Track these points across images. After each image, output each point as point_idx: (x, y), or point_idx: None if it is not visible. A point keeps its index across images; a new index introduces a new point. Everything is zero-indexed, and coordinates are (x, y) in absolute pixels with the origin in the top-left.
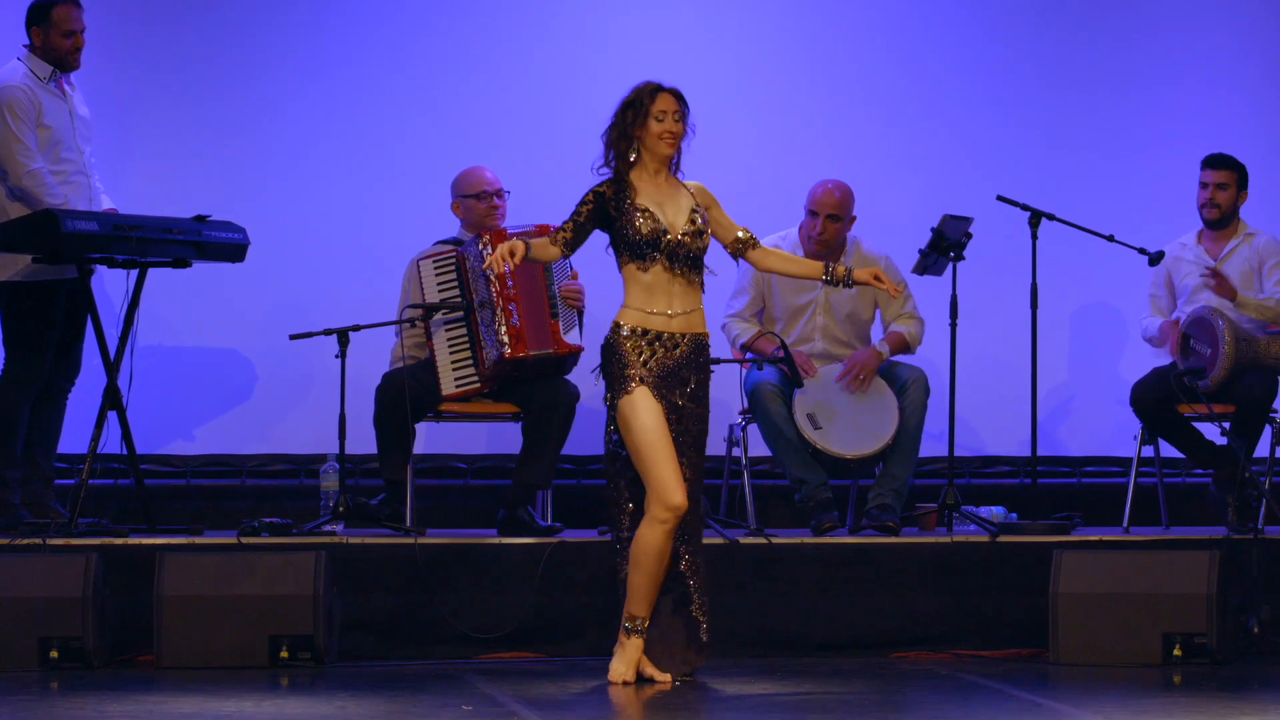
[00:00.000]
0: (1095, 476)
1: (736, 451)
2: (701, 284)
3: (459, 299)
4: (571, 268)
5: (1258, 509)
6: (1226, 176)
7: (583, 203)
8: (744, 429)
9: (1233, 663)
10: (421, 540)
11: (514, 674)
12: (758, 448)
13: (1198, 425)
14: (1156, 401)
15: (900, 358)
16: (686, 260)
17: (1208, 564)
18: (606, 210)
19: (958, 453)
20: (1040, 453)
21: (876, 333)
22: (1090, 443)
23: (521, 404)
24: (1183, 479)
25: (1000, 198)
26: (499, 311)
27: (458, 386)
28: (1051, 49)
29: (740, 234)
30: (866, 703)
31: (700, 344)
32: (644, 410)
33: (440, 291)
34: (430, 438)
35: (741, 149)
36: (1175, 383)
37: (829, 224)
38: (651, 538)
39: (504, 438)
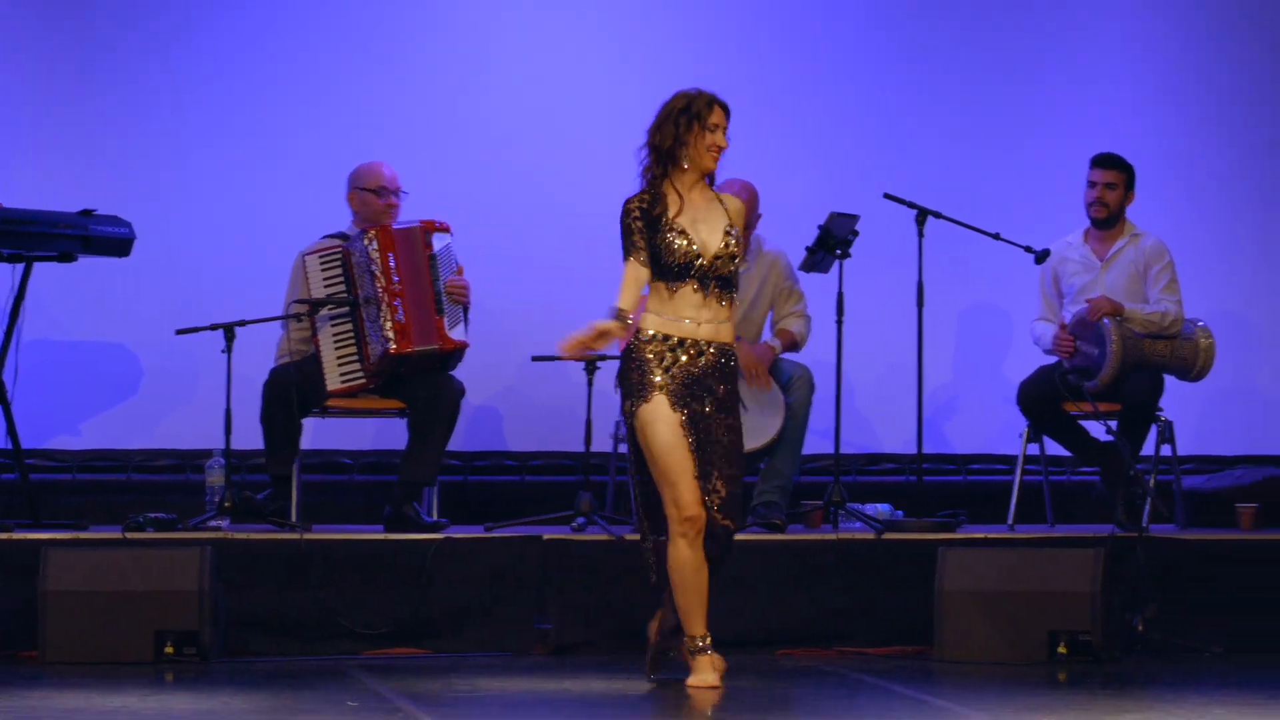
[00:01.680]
0: (981, 474)
1: (623, 447)
2: (732, 299)
3: (345, 294)
4: (457, 263)
5: (1143, 507)
6: (1115, 176)
7: (629, 218)
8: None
9: (1117, 660)
10: (307, 536)
11: (399, 670)
12: None
13: (1084, 424)
14: (1042, 400)
15: (787, 355)
16: (718, 282)
17: (1092, 562)
18: (651, 219)
19: (844, 450)
20: (926, 450)
21: (765, 332)
22: (976, 440)
23: (407, 400)
24: (1068, 477)
25: (887, 195)
26: (384, 307)
27: (343, 382)
28: (941, 47)
29: None
30: (752, 700)
31: (727, 353)
32: (662, 421)
33: (326, 287)
34: (316, 433)
35: (628, 150)
36: (1061, 381)
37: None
38: (677, 553)
39: (390, 433)
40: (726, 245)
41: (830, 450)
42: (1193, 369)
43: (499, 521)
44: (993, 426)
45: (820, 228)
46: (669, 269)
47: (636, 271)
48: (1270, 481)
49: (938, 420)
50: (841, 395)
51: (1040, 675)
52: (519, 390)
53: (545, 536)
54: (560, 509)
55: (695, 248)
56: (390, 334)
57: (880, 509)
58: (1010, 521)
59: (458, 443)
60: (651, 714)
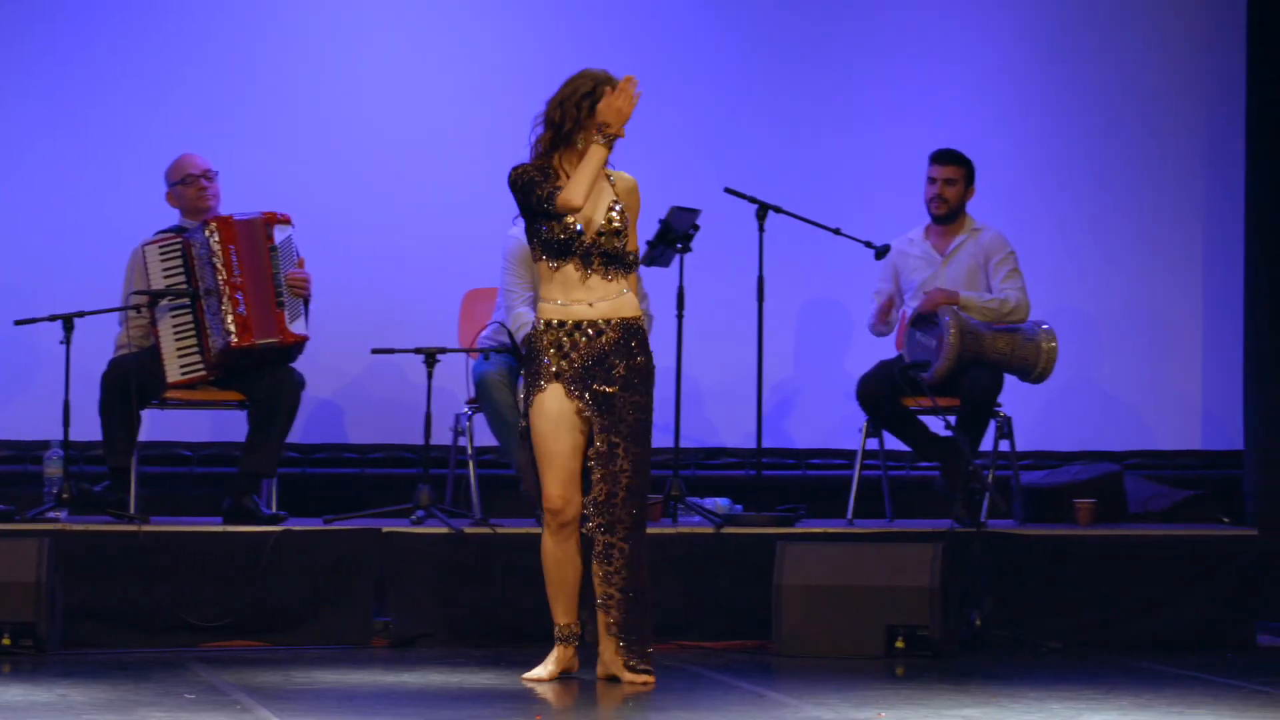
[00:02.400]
0: (820, 469)
1: (462, 441)
2: (624, 273)
3: (185, 286)
4: (298, 255)
5: (981, 502)
6: (955, 172)
7: (527, 174)
8: (470, 418)
9: (955, 655)
10: (146, 528)
11: (237, 662)
12: (484, 437)
13: (923, 418)
14: (881, 394)
15: None
16: (604, 259)
17: (931, 557)
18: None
19: (683, 444)
20: (766, 445)
21: None
22: (815, 435)
23: (247, 392)
24: (907, 472)
25: (728, 190)
26: (225, 300)
27: (183, 374)
28: (782, 42)
29: (631, 254)
30: (588, 693)
31: (630, 328)
32: (546, 412)
33: (166, 278)
34: (156, 425)
35: (468, 144)
36: (900, 376)
37: None
38: (544, 543)
39: (229, 426)
40: (609, 221)
41: (670, 444)
42: (1033, 370)
43: (338, 514)
44: (832, 421)
45: (661, 222)
46: (550, 245)
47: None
48: (1108, 477)
49: (778, 415)
50: (681, 389)
51: (878, 669)
52: (359, 383)
53: (384, 529)
54: (400, 502)
55: (576, 224)
56: (231, 327)
57: (719, 503)
58: (849, 516)
59: (297, 435)
60: (490, 706)
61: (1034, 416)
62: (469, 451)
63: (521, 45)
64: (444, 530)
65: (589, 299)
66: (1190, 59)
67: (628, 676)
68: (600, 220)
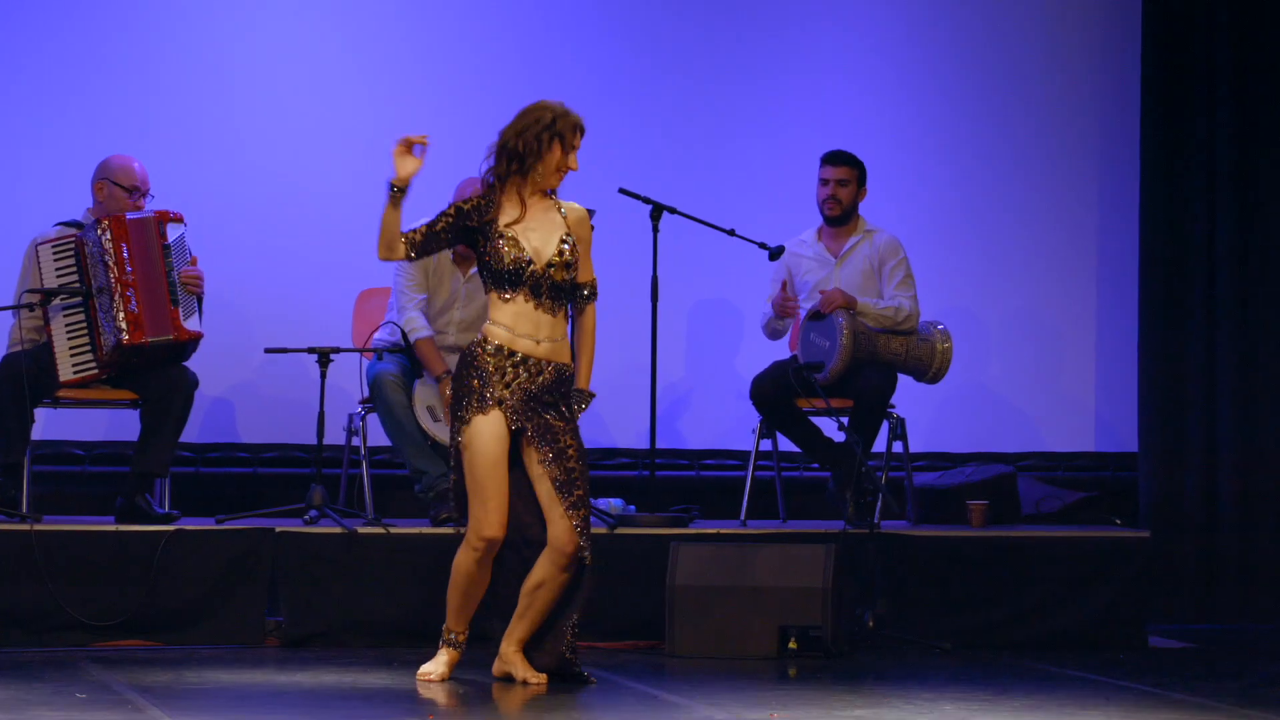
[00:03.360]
0: (714, 469)
1: (356, 441)
2: (566, 312)
3: (78, 284)
4: (191, 253)
5: (874, 503)
6: (847, 173)
7: (442, 214)
8: (363, 418)
9: (847, 656)
10: (38, 527)
11: (129, 662)
12: (378, 437)
13: (817, 420)
14: (775, 395)
15: None
16: (553, 292)
17: (824, 558)
18: (467, 225)
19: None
20: (659, 445)
21: None
22: (709, 436)
23: (140, 391)
24: (800, 473)
25: (622, 190)
26: (117, 297)
27: (76, 372)
28: (675, 40)
29: (587, 284)
30: (482, 693)
31: (564, 375)
32: (489, 436)
33: (59, 276)
34: (48, 424)
35: (360, 143)
36: (794, 376)
37: None
38: (465, 562)
39: (122, 424)
40: (560, 254)
41: None
42: (928, 370)
43: (231, 514)
44: (726, 422)
45: None
46: (500, 276)
47: (400, 240)
48: (1001, 479)
49: (671, 415)
50: None
51: (771, 670)
52: (252, 382)
53: (278, 529)
54: (293, 502)
55: (526, 255)
56: (123, 324)
57: (613, 503)
58: (743, 517)
59: (191, 434)
60: (382, 706)
61: (928, 418)
62: (362, 451)
63: (412, 48)
64: (337, 530)
65: (537, 335)
66: (1085, 63)
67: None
68: (551, 253)
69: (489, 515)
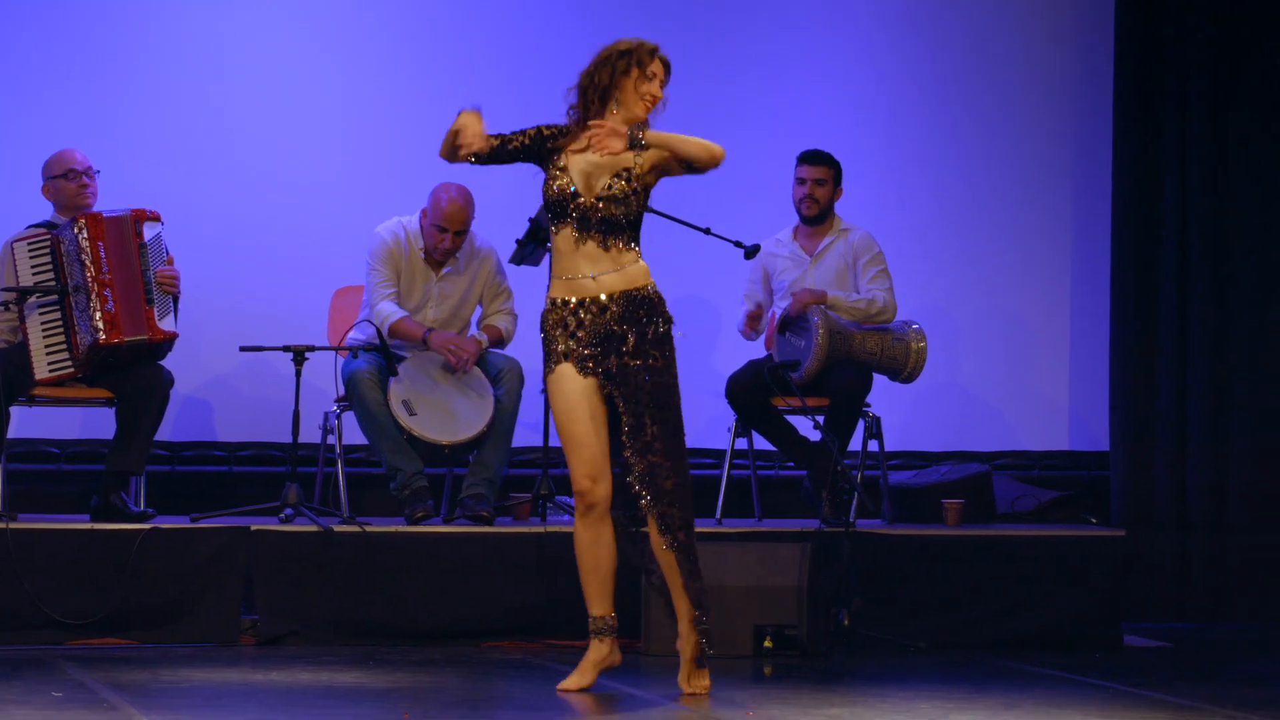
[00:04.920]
0: (689, 468)
1: (331, 439)
2: (627, 243)
3: (53, 283)
4: (167, 252)
5: (849, 502)
6: (823, 172)
7: (521, 131)
8: (339, 416)
9: (823, 655)
10: (13, 525)
11: (105, 660)
12: (353, 435)
13: (793, 419)
14: (751, 394)
15: (495, 350)
16: (603, 226)
17: (799, 556)
18: (545, 148)
19: (552, 443)
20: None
21: (471, 327)
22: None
23: (115, 390)
24: (776, 471)
25: None
26: (94, 297)
27: (51, 371)
28: (651, 38)
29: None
30: (456, 692)
31: (636, 299)
32: (560, 393)
33: (35, 275)
34: (23, 422)
35: (336, 143)
36: (769, 375)
37: (456, 239)
38: (576, 530)
39: (98, 423)
40: (610, 187)
41: (539, 443)
42: (904, 370)
43: (206, 512)
44: (701, 420)
45: (530, 221)
46: (549, 206)
47: (482, 139)
48: (976, 478)
49: None
50: None
51: (746, 669)
52: (228, 381)
53: (253, 528)
54: (268, 500)
55: (572, 187)
56: (100, 324)
57: None
58: (718, 515)
59: (166, 433)
60: (357, 705)
61: (903, 417)
62: (338, 450)
63: (388, 45)
64: (312, 529)
65: (590, 271)
66: (1060, 65)
67: (689, 687)
68: (600, 186)
69: (575, 469)
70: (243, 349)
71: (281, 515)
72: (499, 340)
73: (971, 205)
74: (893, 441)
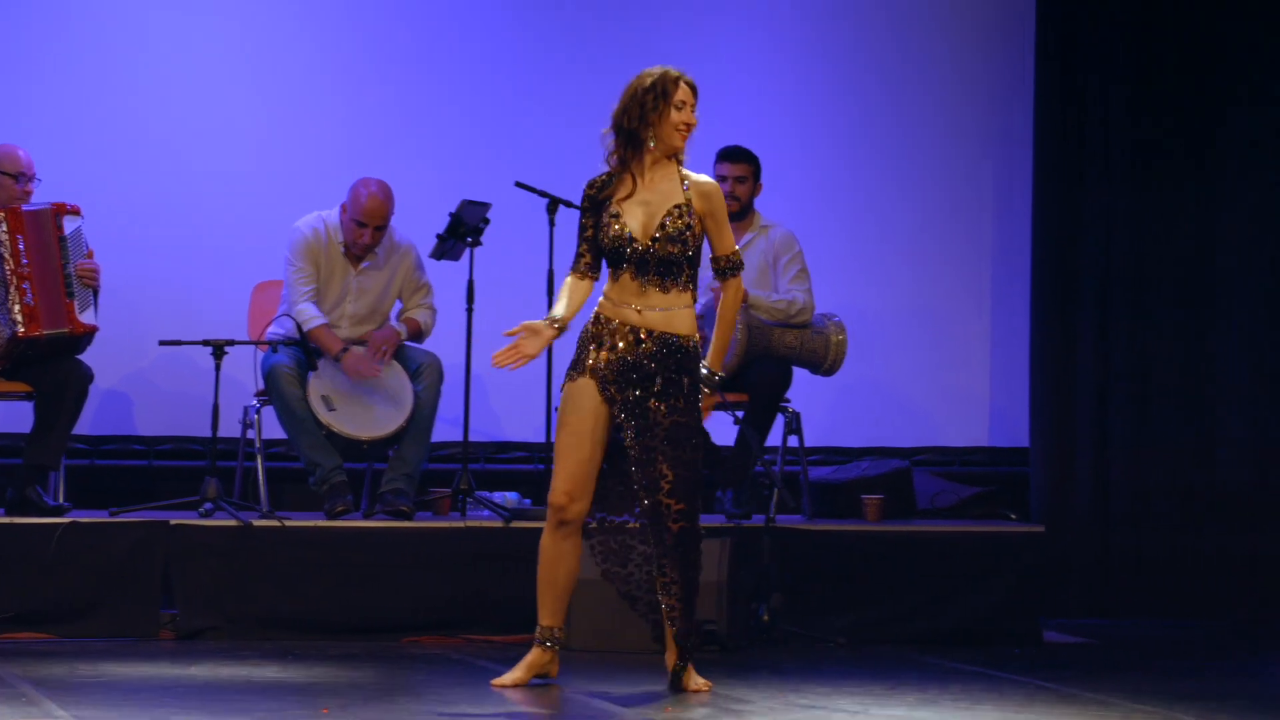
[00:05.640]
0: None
1: (250, 433)
2: (685, 284)
3: None
4: (87, 246)
5: (769, 498)
6: (744, 169)
7: (582, 222)
8: (258, 411)
9: (742, 650)
10: None
11: (22, 654)
12: (273, 430)
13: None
14: None
15: (415, 345)
16: (661, 267)
17: (719, 551)
18: (598, 210)
19: (473, 438)
20: (553, 439)
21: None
22: None
23: (34, 384)
24: None
25: (518, 184)
26: (12, 290)
27: None
28: (574, 39)
29: (724, 257)
30: (376, 686)
31: (673, 345)
32: (574, 404)
33: None
34: None
35: (256, 136)
36: None
37: (376, 234)
38: (543, 539)
39: (15, 417)
40: (663, 227)
41: (458, 438)
42: (824, 363)
43: (125, 506)
44: None
45: (451, 215)
46: (607, 255)
47: (574, 282)
48: (896, 474)
49: None
50: (471, 383)
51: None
52: (147, 375)
53: (172, 522)
54: (188, 494)
55: (627, 232)
56: (19, 317)
57: (508, 497)
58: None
59: (85, 426)
60: (277, 700)
61: (823, 412)
62: (257, 444)
63: (309, 39)
64: (231, 523)
65: (639, 305)
66: (980, 61)
67: (692, 685)
68: (654, 228)
69: (556, 480)
70: (162, 343)
71: (201, 509)
72: (418, 333)
73: (893, 202)
74: (813, 437)
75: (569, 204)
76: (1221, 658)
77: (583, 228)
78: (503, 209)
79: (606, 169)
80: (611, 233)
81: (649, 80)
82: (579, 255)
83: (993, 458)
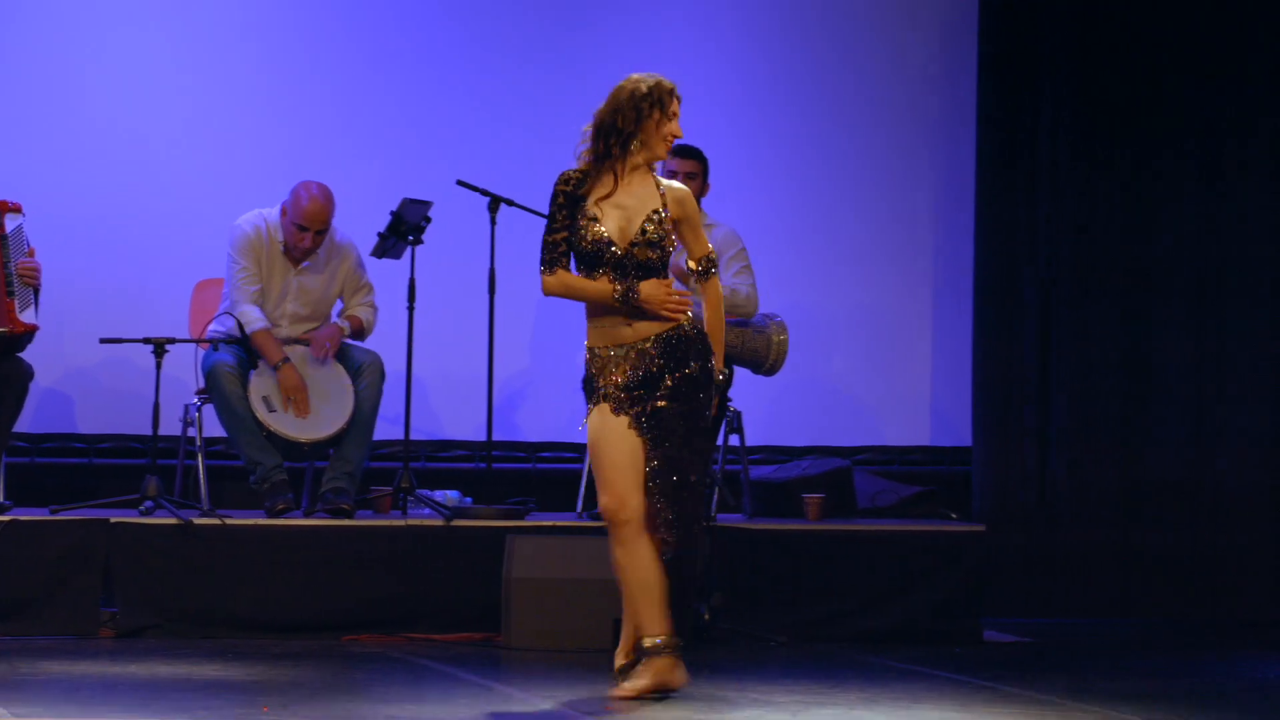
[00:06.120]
0: (550, 462)
1: (191, 431)
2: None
3: None
4: (29, 244)
5: (710, 496)
6: (693, 166)
7: (553, 213)
8: (199, 409)
9: (684, 649)
10: None
11: None
12: (213, 428)
13: None
14: None
15: (357, 343)
16: (641, 271)
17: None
18: (574, 207)
19: (414, 436)
20: (496, 438)
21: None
22: (546, 428)
23: None
24: None
25: (460, 182)
26: None
27: None
28: (515, 38)
29: (703, 259)
30: (316, 685)
31: (673, 339)
32: (598, 427)
33: None
34: None
35: (196, 134)
36: None
37: (317, 238)
38: (614, 554)
39: None
40: (644, 232)
41: (400, 436)
42: (765, 363)
43: (66, 504)
44: (563, 414)
45: (392, 214)
46: (584, 256)
47: (566, 273)
48: (837, 473)
49: (509, 408)
50: (412, 382)
51: (606, 662)
52: (88, 373)
53: (112, 520)
54: (128, 492)
55: (606, 235)
56: None
57: (449, 495)
58: (579, 509)
59: (26, 424)
60: (217, 698)
61: (764, 411)
62: (198, 442)
63: (248, 37)
64: (172, 521)
65: (628, 319)
66: (923, 63)
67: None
68: (634, 231)
69: (601, 498)
70: (103, 341)
71: (141, 508)
72: (360, 330)
73: (837, 201)
74: (754, 436)
75: (510, 203)
76: (1161, 655)
77: (555, 220)
78: (444, 207)
79: (576, 164)
80: (591, 235)
81: (645, 87)
82: (559, 252)
83: (933, 457)
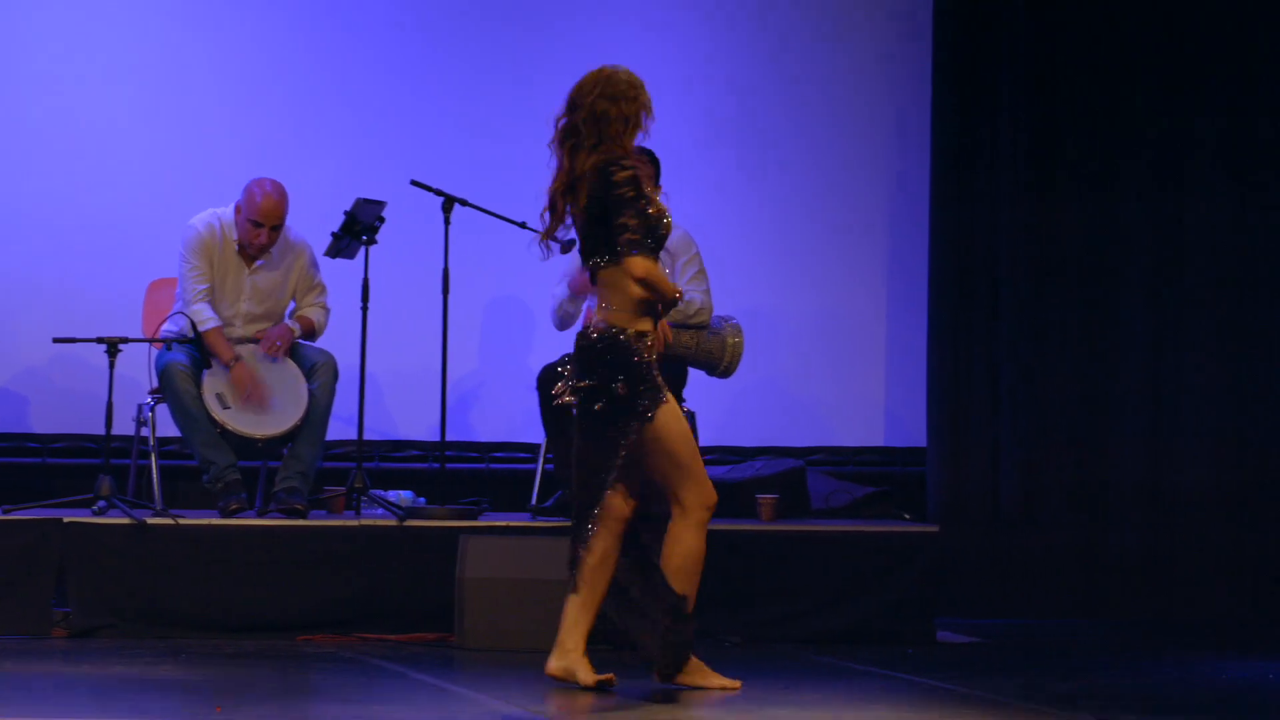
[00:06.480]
0: (504, 462)
1: (145, 431)
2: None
3: None
4: None
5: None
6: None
7: (646, 190)
8: (153, 408)
9: (637, 648)
10: None
11: None
12: (167, 427)
13: None
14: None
15: (308, 343)
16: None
17: None
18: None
19: (367, 436)
20: (449, 438)
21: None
22: (499, 429)
23: None
24: None
25: (414, 182)
26: None
27: None
28: (470, 33)
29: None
30: (270, 685)
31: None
32: (675, 418)
33: None
34: None
35: (149, 132)
36: None
37: (271, 235)
38: (698, 543)
39: None
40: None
41: (354, 436)
42: (719, 364)
43: (18, 503)
44: (516, 415)
45: (346, 213)
46: (661, 239)
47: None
48: (790, 473)
49: (462, 408)
50: (365, 382)
51: None
52: (41, 372)
53: (65, 519)
54: (82, 492)
55: (664, 215)
56: None
57: (403, 496)
58: (532, 508)
59: None
60: (170, 698)
61: (718, 412)
62: (151, 442)
63: (203, 37)
64: (125, 521)
65: (662, 312)
66: (879, 66)
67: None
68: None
69: (697, 478)
70: (56, 340)
71: (94, 507)
72: (311, 331)
73: (790, 203)
74: (708, 436)
75: (464, 203)
76: (1115, 656)
77: (650, 201)
78: (398, 207)
79: (557, 154)
80: (668, 220)
81: (645, 97)
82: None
83: (887, 458)
